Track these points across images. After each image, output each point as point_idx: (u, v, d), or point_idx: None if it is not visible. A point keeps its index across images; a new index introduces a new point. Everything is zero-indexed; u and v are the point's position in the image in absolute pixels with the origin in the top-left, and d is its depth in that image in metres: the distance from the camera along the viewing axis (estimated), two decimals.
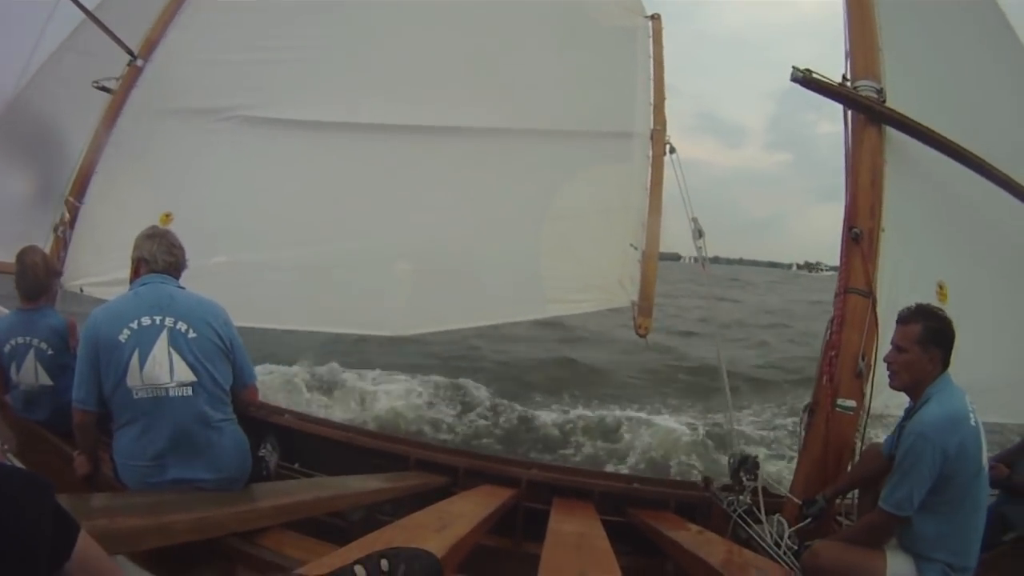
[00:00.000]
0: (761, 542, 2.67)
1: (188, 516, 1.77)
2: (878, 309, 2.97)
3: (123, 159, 4.42)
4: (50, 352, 2.99)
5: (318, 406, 8.29)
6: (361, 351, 10.79)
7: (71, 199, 4.34)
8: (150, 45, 4.66)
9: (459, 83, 4.31)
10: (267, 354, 9.92)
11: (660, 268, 3.84)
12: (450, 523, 2.13)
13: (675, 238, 4.14)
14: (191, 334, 2.27)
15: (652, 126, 4.11)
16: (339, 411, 8.24)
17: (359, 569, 1.28)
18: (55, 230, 4.29)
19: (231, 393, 2.41)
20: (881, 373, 2.66)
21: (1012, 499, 3.04)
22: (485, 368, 11.11)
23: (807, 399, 3.09)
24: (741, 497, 2.97)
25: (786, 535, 2.65)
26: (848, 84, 3.26)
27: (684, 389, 10.82)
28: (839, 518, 2.94)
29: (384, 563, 1.31)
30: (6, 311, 3.43)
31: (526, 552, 3.06)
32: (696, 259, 3.95)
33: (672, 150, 3.98)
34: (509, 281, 3.93)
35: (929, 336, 2.35)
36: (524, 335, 14.23)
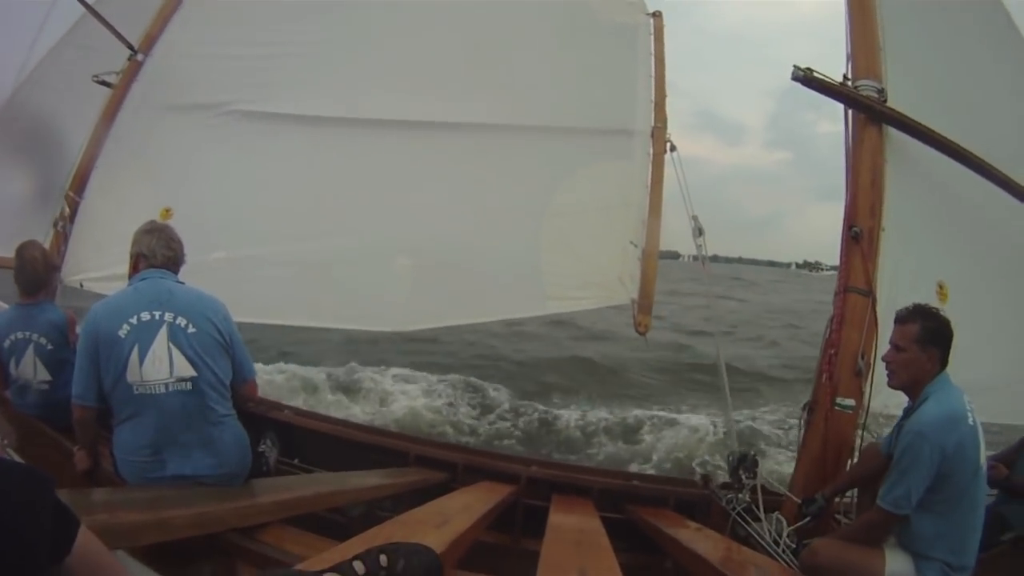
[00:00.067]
0: (760, 540, 2.68)
1: (188, 511, 1.78)
2: (878, 308, 2.97)
3: (123, 154, 4.41)
4: (49, 347, 2.99)
5: (338, 408, 8.15)
6: (380, 351, 10.73)
7: (71, 194, 4.33)
8: (150, 40, 4.64)
9: (459, 79, 4.30)
10: (281, 353, 9.96)
11: (660, 266, 3.83)
12: (450, 519, 2.14)
13: (674, 236, 4.15)
14: (191, 329, 2.27)
15: (653, 123, 4.11)
16: (360, 412, 8.15)
17: (358, 564, 1.27)
18: (55, 225, 4.28)
19: (231, 388, 2.41)
20: (880, 372, 2.67)
21: (1011, 499, 3.04)
22: (503, 368, 11.02)
23: None
24: (740, 495, 2.98)
25: (785, 533, 2.66)
26: (849, 83, 3.26)
27: (701, 387, 10.72)
28: (838, 517, 2.94)
29: (383, 558, 1.31)
30: (5, 306, 3.43)
31: (525, 549, 3.07)
32: (695, 257, 3.95)
33: (673, 148, 3.98)
34: (509, 277, 3.93)
35: (927, 335, 2.36)
36: (537, 333, 14.23)
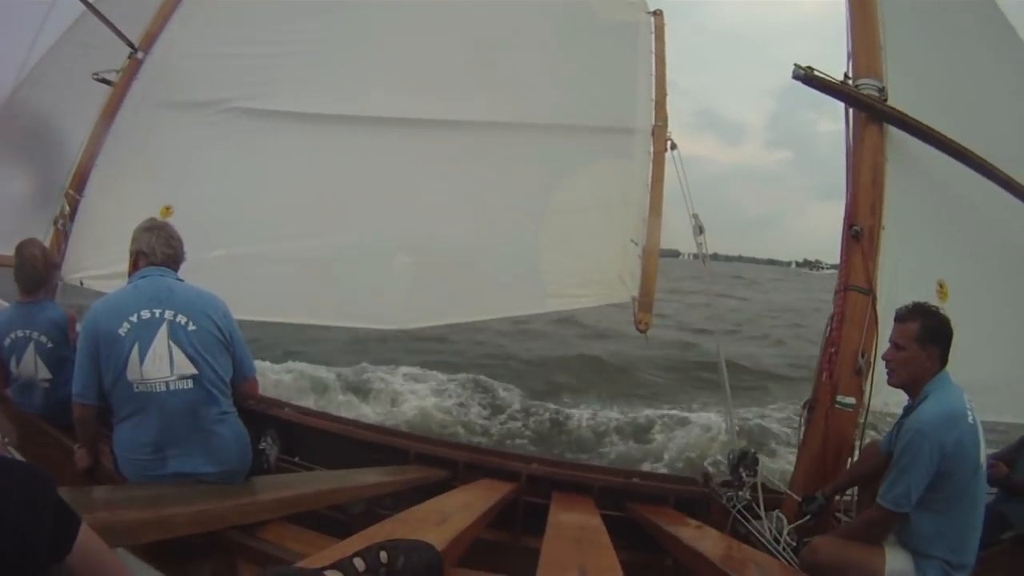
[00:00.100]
0: (760, 538, 2.69)
1: (189, 509, 1.78)
2: (878, 307, 2.97)
3: (123, 152, 4.41)
4: (50, 345, 2.99)
5: (349, 408, 8.12)
6: (389, 350, 10.72)
7: (71, 192, 4.33)
8: (150, 37, 4.65)
9: (460, 77, 4.30)
10: (289, 353, 9.96)
11: (660, 265, 3.83)
12: (450, 517, 2.14)
13: (674, 235, 4.15)
14: (191, 327, 2.27)
15: (654, 122, 4.11)
16: (371, 413, 8.12)
17: (359, 561, 1.28)
18: (55, 223, 4.29)
19: (231, 386, 2.42)
20: (881, 370, 2.67)
21: (1011, 497, 3.04)
22: (512, 367, 11.02)
23: None
24: (740, 493, 2.98)
25: (785, 531, 2.66)
26: (850, 82, 3.26)
27: (710, 385, 10.66)
28: (838, 515, 2.95)
29: (383, 555, 1.31)
30: (6, 304, 3.43)
31: (525, 546, 3.07)
32: (696, 255, 3.95)
33: (673, 146, 3.98)
34: (509, 275, 3.93)
35: (927, 334, 2.36)
36: (543, 331, 14.27)
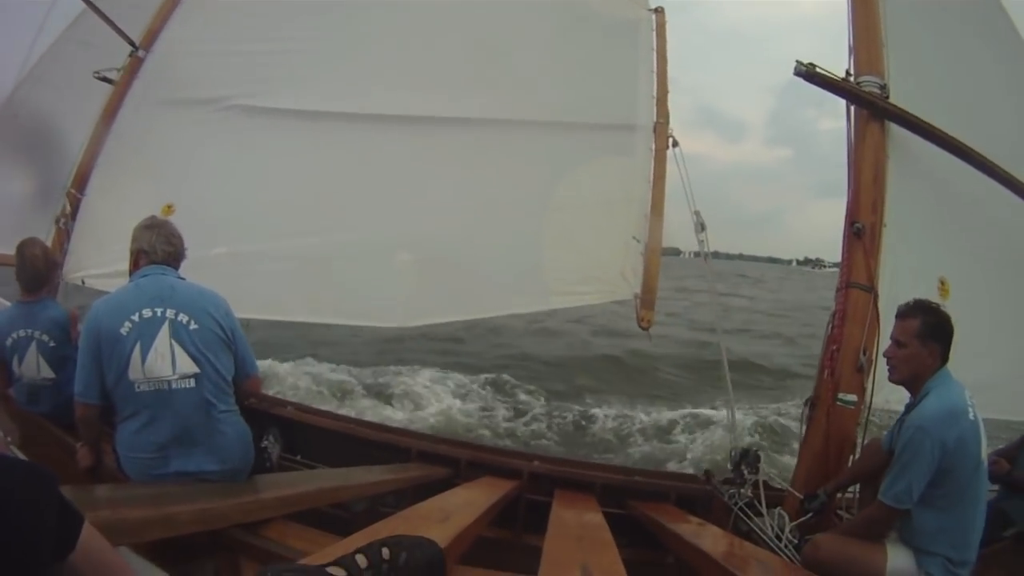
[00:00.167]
0: (762, 535, 2.69)
1: (191, 507, 1.78)
2: (880, 304, 2.97)
3: (124, 150, 4.40)
4: (52, 344, 2.99)
5: (374, 413, 7.99)
6: (406, 351, 10.69)
7: (72, 191, 4.33)
8: (152, 35, 4.64)
9: (461, 74, 4.30)
10: (308, 355, 9.93)
11: (662, 263, 3.83)
12: (452, 515, 2.14)
13: (675, 232, 4.15)
14: (193, 325, 2.27)
15: (655, 119, 4.10)
16: (394, 416, 8.01)
17: (361, 558, 1.27)
18: (57, 222, 4.29)
19: (233, 384, 2.42)
20: (882, 368, 2.67)
21: (1012, 494, 3.04)
22: (531, 368, 10.98)
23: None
24: (742, 490, 2.98)
25: (787, 528, 2.66)
26: (851, 79, 3.25)
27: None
28: (840, 512, 2.95)
29: (385, 551, 1.31)
30: (8, 304, 3.43)
31: (528, 544, 3.07)
32: (697, 253, 3.94)
33: (675, 143, 3.98)
34: (511, 272, 3.93)
35: (927, 331, 2.37)
36: (560, 329, 14.35)
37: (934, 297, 2.97)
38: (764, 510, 2.81)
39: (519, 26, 4.38)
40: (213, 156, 4.32)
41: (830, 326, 3.07)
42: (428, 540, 1.44)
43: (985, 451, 2.32)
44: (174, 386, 2.20)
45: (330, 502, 2.60)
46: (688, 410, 8.90)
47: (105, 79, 4.54)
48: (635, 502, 3.29)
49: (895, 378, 2.49)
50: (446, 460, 3.49)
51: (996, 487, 3.02)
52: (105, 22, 4.35)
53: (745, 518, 2.85)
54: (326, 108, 4.26)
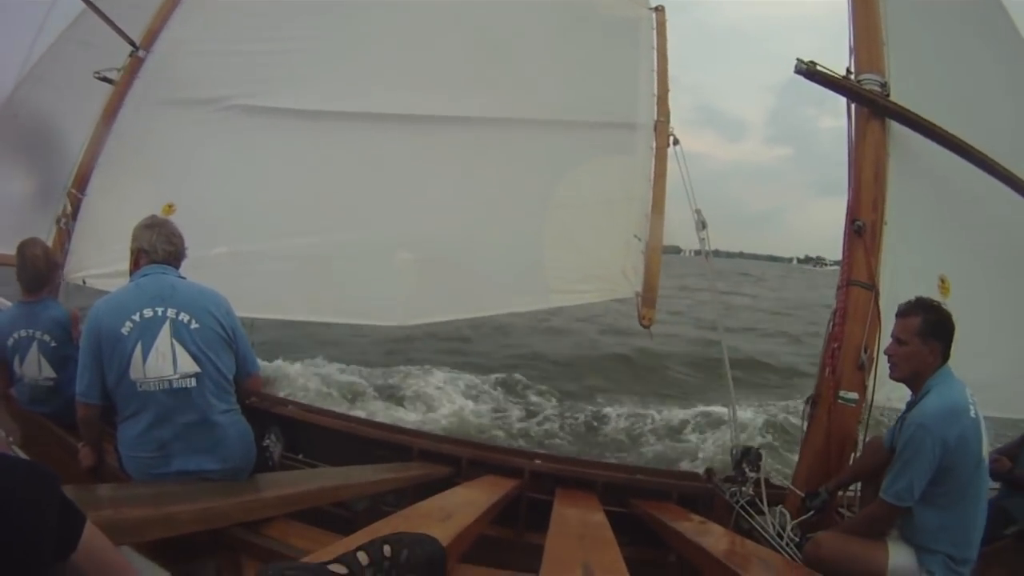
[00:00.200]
0: (764, 533, 2.69)
1: (193, 506, 1.78)
2: (880, 302, 2.97)
3: (125, 150, 4.41)
4: (53, 344, 2.99)
5: (386, 415, 7.95)
6: (415, 351, 10.69)
7: (73, 191, 4.34)
8: (152, 35, 4.64)
9: (461, 73, 4.30)
10: (317, 355, 9.92)
11: (662, 261, 3.83)
12: (453, 513, 2.13)
13: (676, 231, 4.15)
14: (193, 325, 2.27)
15: (656, 117, 4.10)
16: (406, 417, 7.98)
17: (362, 555, 1.27)
18: (58, 222, 4.29)
19: (234, 383, 2.42)
20: (883, 365, 2.67)
21: (1014, 492, 3.04)
22: (541, 367, 10.98)
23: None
24: (744, 488, 2.98)
25: (788, 526, 2.66)
26: (852, 77, 3.25)
27: (740, 384, 10.73)
28: (841, 510, 2.95)
29: (387, 548, 1.31)
30: (9, 304, 3.44)
31: (529, 542, 3.07)
32: (698, 252, 3.94)
33: (676, 142, 3.98)
34: (511, 271, 3.93)
35: (928, 328, 2.37)
36: (568, 328, 14.41)
37: (934, 295, 2.97)
38: (766, 508, 2.81)
39: (519, 25, 4.38)
40: (213, 156, 4.32)
41: (831, 324, 3.07)
42: (429, 537, 1.44)
43: (986, 449, 2.32)
44: (175, 385, 2.20)
45: (331, 501, 2.60)
46: (699, 408, 8.87)
47: (105, 79, 4.54)
48: (637, 500, 3.29)
49: (896, 376, 2.49)
50: (447, 459, 3.48)
51: (997, 485, 3.02)
52: (105, 22, 4.35)
53: (747, 516, 2.85)
54: (326, 108, 4.26)
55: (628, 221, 3.88)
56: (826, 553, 2.35)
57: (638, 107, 4.15)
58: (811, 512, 2.73)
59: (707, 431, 8.09)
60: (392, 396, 8.77)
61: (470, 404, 8.70)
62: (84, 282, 4.11)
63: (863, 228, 3.05)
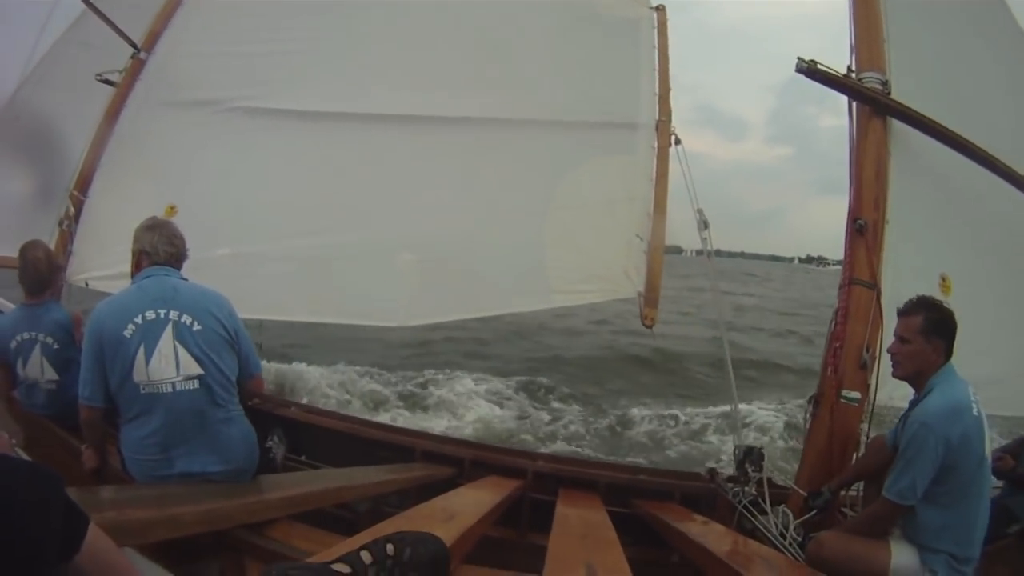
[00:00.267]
0: (766, 533, 2.68)
1: (196, 508, 1.78)
2: (882, 300, 2.96)
3: (127, 152, 4.42)
4: (56, 346, 3.00)
5: (410, 423, 7.86)
6: (432, 353, 10.69)
7: (75, 193, 4.34)
8: (153, 37, 4.65)
9: (462, 73, 4.30)
10: (335, 360, 9.86)
11: (664, 261, 3.83)
12: (456, 514, 2.13)
13: (677, 231, 4.14)
14: (196, 327, 2.27)
15: (657, 117, 4.10)
16: (433, 426, 7.84)
17: (365, 554, 1.27)
18: (60, 224, 4.30)
19: (237, 384, 2.42)
20: (885, 364, 2.67)
21: (1017, 491, 3.03)
22: (563, 369, 10.96)
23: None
24: (746, 488, 2.98)
25: (791, 526, 2.66)
26: (853, 76, 3.24)
27: (757, 384, 10.66)
28: (844, 510, 2.94)
29: (390, 547, 1.31)
30: (12, 306, 3.44)
31: (532, 543, 3.06)
32: (699, 252, 3.93)
33: (678, 141, 3.97)
34: (513, 271, 3.94)
35: (931, 327, 2.37)
36: (586, 329, 14.47)
37: (936, 293, 2.96)
38: (768, 508, 2.80)
39: (520, 25, 4.38)
40: (215, 157, 4.33)
41: (833, 323, 3.06)
42: (432, 536, 1.44)
43: (989, 447, 2.32)
44: (178, 387, 2.20)
45: (334, 502, 2.60)
46: (722, 408, 8.82)
47: (107, 81, 4.55)
48: (639, 501, 3.29)
49: (898, 373, 2.49)
50: (450, 460, 3.48)
51: (1000, 483, 3.02)
52: (106, 24, 4.35)
53: (749, 516, 2.85)
54: (327, 108, 4.26)
55: (630, 221, 3.88)
56: (829, 553, 2.35)
57: (639, 107, 4.15)
58: (814, 512, 2.73)
59: (728, 432, 8.06)
60: (417, 404, 8.74)
61: (496, 410, 8.67)
62: (87, 284, 4.11)
63: (865, 227, 3.04)
